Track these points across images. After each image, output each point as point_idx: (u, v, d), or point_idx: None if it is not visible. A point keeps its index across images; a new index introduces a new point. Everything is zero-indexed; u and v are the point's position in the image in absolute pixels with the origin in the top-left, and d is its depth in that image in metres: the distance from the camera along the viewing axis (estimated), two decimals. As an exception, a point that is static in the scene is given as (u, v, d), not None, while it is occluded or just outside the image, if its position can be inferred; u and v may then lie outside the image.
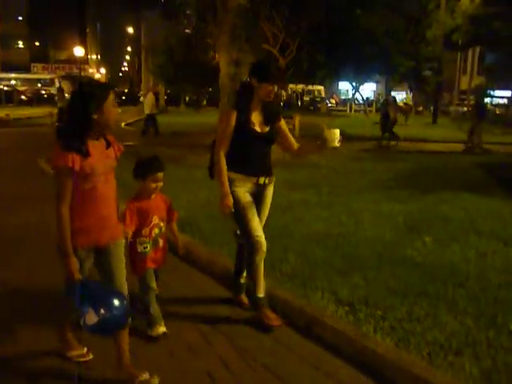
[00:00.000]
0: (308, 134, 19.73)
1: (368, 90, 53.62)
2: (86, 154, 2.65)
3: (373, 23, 22.21)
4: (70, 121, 2.71)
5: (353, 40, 21.91)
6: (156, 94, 21.07)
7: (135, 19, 50.76)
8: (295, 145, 3.84)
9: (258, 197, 3.78)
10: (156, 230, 3.56)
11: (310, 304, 3.84)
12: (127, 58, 78.43)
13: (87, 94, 2.66)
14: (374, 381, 3.02)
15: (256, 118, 3.67)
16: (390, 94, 28.11)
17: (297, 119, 19.80)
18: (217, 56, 13.26)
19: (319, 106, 42.89)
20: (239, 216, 3.66)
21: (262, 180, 3.75)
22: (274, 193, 3.91)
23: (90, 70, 59.03)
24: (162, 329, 3.48)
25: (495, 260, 4.86)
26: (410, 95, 45.43)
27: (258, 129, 3.65)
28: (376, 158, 13.50)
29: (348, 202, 7.49)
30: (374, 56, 24.24)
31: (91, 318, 2.59)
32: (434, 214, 6.67)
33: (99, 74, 61.64)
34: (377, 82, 52.81)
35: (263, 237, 3.66)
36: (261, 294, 3.74)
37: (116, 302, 2.68)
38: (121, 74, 73.68)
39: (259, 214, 3.77)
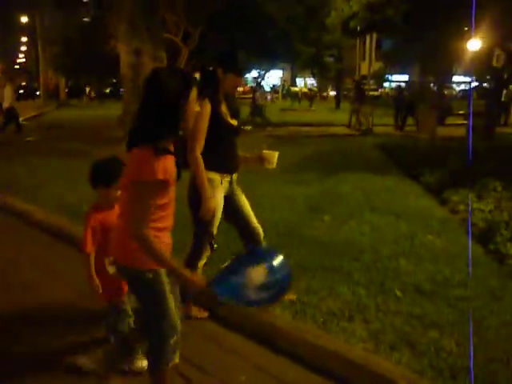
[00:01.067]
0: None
1: (275, 77, 54.57)
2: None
3: (273, 9, 22.59)
4: (160, 120, 2.14)
5: (255, 26, 22.17)
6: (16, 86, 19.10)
7: (29, 6, 47.95)
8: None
9: (231, 195, 3.53)
10: None
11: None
12: (23, 48, 74.16)
13: (182, 82, 2.15)
14: (272, 352, 3.21)
15: (224, 110, 3.38)
16: (260, 83, 28.63)
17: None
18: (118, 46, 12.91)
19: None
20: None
21: (235, 176, 3.53)
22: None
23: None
24: (145, 362, 2.93)
25: (387, 233, 5.25)
26: (314, 81, 46.81)
27: (227, 119, 3.39)
28: (282, 144, 13.86)
29: (252, 187, 7.67)
30: (276, 42, 24.71)
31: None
32: (334, 195, 7.03)
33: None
34: (283, 69, 53.84)
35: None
36: None
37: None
38: (17, 66, 69.33)
39: (243, 209, 3.58)
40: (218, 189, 3.37)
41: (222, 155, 3.38)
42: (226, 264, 2.36)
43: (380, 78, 50.42)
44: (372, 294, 3.80)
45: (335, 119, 22.04)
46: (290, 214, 6.02)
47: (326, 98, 43.44)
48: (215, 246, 3.52)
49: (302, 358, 3.11)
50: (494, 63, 16.31)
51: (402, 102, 18.94)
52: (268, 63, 30.57)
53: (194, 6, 20.50)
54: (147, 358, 2.66)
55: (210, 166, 3.29)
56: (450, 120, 20.51)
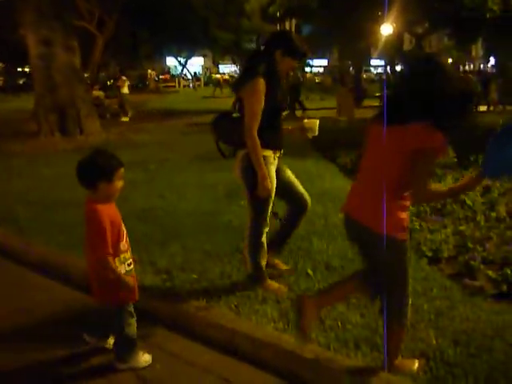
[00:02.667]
0: (135, 112, 19.61)
1: (196, 64, 54.07)
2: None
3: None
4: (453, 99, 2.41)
5: (172, 12, 21.85)
6: None
7: None
8: None
9: (279, 170, 3.68)
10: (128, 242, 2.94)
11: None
12: None
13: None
14: (189, 339, 3.24)
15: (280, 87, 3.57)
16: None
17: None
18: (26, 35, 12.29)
19: (148, 82, 42.24)
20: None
21: (282, 152, 3.68)
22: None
23: None
24: (147, 356, 2.99)
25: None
26: (237, 68, 46.78)
27: (282, 98, 3.57)
28: (203, 132, 13.79)
29: (173, 176, 7.67)
30: (194, 29, 24.49)
31: None
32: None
33: None
34: (204, 56, 53.43)
35: None
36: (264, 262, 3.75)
37: None
38: None
39: (293, 182, 3.80)
40: (272, 166, 3.51)
41: (275, 133, 3.53)
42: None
43: (301, 63, 51.24)
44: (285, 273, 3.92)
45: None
46: (208, 202, 6.06)
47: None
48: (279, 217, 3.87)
49: (217, 342, 3.17)
50: (405, 47, 17.03)
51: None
52: (188, 50, 30.24)
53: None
54: (386, 319, 2.66)
55: (265, 144, 3.41)
56: (367, 102, 21.23)
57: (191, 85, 40.49)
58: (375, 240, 2.49)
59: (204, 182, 7.15)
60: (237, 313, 3.34)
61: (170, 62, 56.80)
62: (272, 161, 3.52)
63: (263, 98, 3.36)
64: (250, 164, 3.43)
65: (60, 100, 12.12)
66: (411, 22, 15.83)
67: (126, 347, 2.93)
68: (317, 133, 3.73)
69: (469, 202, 5.45)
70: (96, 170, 2.74)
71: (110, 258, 2.71)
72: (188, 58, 34.21)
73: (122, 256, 2.82)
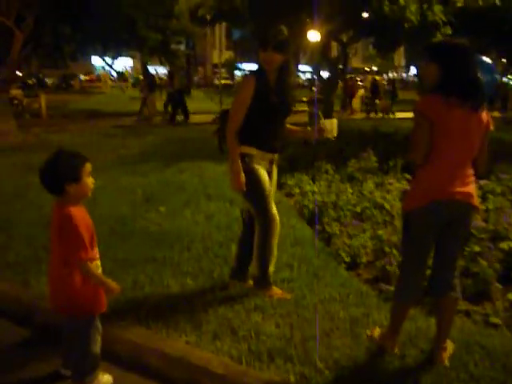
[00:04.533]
0: (56, 112, 18.80)
1: (124, 64, 52.78)
2: None
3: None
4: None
5: (97, 10, 21.09)
6: None
7: None
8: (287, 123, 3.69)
9: (268, 175, 3.55)
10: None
11: (28, 292, 3.63)
12: None
13: None
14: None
15: (273, 86, 3.44)
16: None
17: (42, 98, 18.54)
18: None
19: (72, 82, 40.74)
20: (257, 193, 3.43)
21: (275, 157, 3.60)
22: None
23: None
24: (108, 377, 2.73)
25: (220, 220, 5.25)
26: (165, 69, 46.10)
27: (275, 98, 3.40)
28: (128, 134, 13.38)
29: (90, 179, 7.30)
30: (120, 28, 23.81)
31: None
32: (172, 184, 6.90)
33: None
34: (132, 57, 52.25)
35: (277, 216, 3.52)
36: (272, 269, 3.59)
37: None
38: None
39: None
40: (256, 165, 3.43)
41: (266, 133, 3.46)
42: None
43: (231, 67, 51.32)
44: (200, 283, 3.75)
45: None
46: (125, 207, 5.77)
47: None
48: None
49: (125, 358, 2.95)
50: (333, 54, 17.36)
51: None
52: (114, 50, 29.41)
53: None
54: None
55: (250, 141, 3.41)
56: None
57: (119, 86, 39.45)
58: (473, 213, 2.84)
59: (122, 185, 6.85)
60: (147, 327, 3.13)
61: (97, 61, 55.25)
62: (257, 160, 3.44)
63: (247, 95, 3.36)
64: (242, 165, 3.40)
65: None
66: (336, 29, 16.10)
67: (89, 367, 2.63)
68: (336, 133, 3.65)
69: (387, 206, 5.52)
70: (60, 172, 2.49)
71: (90, 264, 2.52)
72: (114, 58, 33.27)
73: (94, 263, 2.59)
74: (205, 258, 4.21)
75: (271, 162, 3.58)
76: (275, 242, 3.52)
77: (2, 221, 5.18)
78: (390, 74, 56.19)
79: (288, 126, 3.72)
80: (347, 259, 4.25)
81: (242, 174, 3.38)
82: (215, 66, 53.19)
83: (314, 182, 6.91)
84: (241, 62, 53.23)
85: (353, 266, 4.20)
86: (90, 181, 2.59)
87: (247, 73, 3.65)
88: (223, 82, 34.37)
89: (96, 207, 5.76)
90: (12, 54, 21.60)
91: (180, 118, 17.51)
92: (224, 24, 44.74)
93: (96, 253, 2.64)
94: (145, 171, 7.87)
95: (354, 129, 12.51)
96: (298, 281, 3.75)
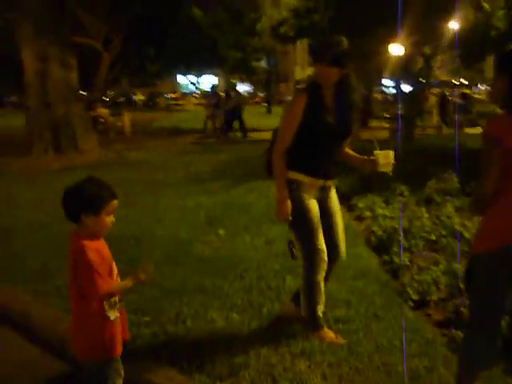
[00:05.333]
0: (140, 130, 19.37)
1: (208, 82, 54.11)
2: None
3: (199, 15, 22.23)
4: None
5: (179, 31, 21.76)
6: None
7: None
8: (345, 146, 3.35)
9: (322, 203, 3.21)
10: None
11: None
12: None
13: None
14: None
15: (328, 104, 3.12)
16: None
17: (126, 116, 19.21)
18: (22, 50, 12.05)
19: (158, 100, 42.18)
20: (303, 225, 3.10)
21: (328, 183, 3.24)
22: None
23: None
24: None
25: (279, 246, 4.91)
26: (248, 86, 46.75)
27: (330, 119, 3.10)
28: (204, 151, 13.45)
29: (157, 199, 7.25)
30: (201, 48, 24.39)
31: None
32: (238, 205, 6.68)
33: None
34: (216, 75, 53.50)
35: (325, 251, 3.12)
36: (321, 312, 3.21)
37: None
38: None
39: (332, 224, 3.24)
40: (304, 194, 3.11)
41: (317, 158, 3.12)
42: None
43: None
44: (246, 318, 3.44)
45: (265, 124, 21.81)
46: (185, 229, 5.61)
47: (259, 103, 43.39)
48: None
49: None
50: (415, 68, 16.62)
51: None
52: (196, 69, 30.20)
53: (114, 9, 19.81)
54: None
55: (298, 167, 3.11)
56: (374, 123, 20.78)
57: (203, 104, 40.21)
58: None
59: (187, 205, 6.72)
60: (180, 369, 2.86)
61: (182, 79, 57.13)
62: (306, 188, 3.11)
63: (297, 114, 3.05)
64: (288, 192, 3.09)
65: (55, 117, 11.84)
66: (419, 41, 15.40)
67: None
68: (392, 167, 3.10)
69: (467, 235, 4.94)
70: (81, 200, 2.30)
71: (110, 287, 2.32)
72: (198, 75, 34.11)
73: (112, 300, 2.34)
74: (256, 289, 3.90)
75: (323, 189, 3.22)
76: (321, 278, 3.15)
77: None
78: (481, 87, 53.38)
79: (347, 150, 3.34)
80: (415, 297, 3.77)
81: (288, 203, 3.06)
82: (298, 82, 53.22)
83: (387, 205, 6.43)
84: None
85: (421, 304, 3.72)
86: (109, 219, 2.35)
87: (299, 88, 3.29)
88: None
89: (158, 228, 5.67)
90: (99, 75, 22.78)
91: (238, 134, 17.52)
92: (306, 40, 44.89)
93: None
94: (212, 190, 7.73)
95: (435, 145, 11.74)
96: (355, 322, 3.34)
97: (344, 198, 6.96)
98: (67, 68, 12.11)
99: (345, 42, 3.11)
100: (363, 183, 7.46)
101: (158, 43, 22.62)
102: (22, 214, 6.41)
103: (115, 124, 19.54)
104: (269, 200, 6.87)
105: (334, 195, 3.32)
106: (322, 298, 3.18)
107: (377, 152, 3.08)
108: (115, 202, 2.37)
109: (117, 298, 2.39)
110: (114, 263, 2.43)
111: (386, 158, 3.06)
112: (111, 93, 33.95)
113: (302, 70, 49.02)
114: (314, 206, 3.14)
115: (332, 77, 3.08)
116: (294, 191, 3.09)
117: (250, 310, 3.56)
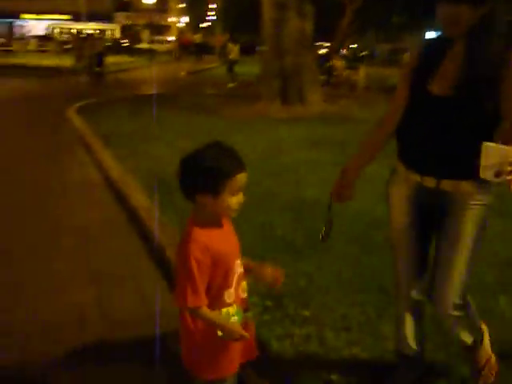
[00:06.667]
0: (374, 86, 18.45)
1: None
2: None
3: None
4: None
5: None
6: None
7: None
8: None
9: (440, 219, 2.13)
10: (244, 286, 1.89)
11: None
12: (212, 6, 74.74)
13: None
14: None
15: (446, 71, 2.00)
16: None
17: (361, 71, 18.45)
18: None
19: (401, 56, 40.05)
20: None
21: (430, 182, 2.07)
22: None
23: (169, 19, 58.69)
24: None
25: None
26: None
27: (437, 89, 2.01)
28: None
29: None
30: None
31: None
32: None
33: (181, 23, 60.65)
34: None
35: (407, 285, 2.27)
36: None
37: None
38: (206, 24, 70.00)
39: (441, 260, 2.11)
40: (398, 188, 2.21)
41: (413, 141, 2.11)
42: None
43: None
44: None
45: None
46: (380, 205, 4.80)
47: None
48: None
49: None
50: None
51: None
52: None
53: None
54: None
55: (397, 153, 2.22)
56: None
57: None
58: None
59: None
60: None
61: (432, 36, 53.01)
62: (399, 179, 2.19)
63: (402, 77, 2.24)
64: None
65: (285, 66, 11.76)
66: None
67: None
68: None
69: None
70: (197, 174, 1.68)
71: (204, 310, 1.72)
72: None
73: (224, 310, 1.78)
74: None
75: (426, 192, 2.08)
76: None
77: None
78: None
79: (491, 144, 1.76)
80: None
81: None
82: None
83: None
84: None
85: None
86: (234, 200, 1.70)
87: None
88: None
89: (358, 197, 4.98)
90: (340, 28, 22.20)
91: None
92: None
93: (231, 295, 1.79)
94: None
95: None
96: None
97: None
98: (303, 17, 11.81)
99: None
100: None
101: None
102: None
103: (349, 77, 18.96)
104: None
105: (471, 215, 2.02)
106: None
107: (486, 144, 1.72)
108: (242, 176, 1.69)
109: (233, 309, 1.79)
110: (240, 260, 1.82)
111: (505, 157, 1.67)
112: (354, 46, 33.38)
113: None
114: (399, 204, 2.21)
115: (463, 22, 1.88)
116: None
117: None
